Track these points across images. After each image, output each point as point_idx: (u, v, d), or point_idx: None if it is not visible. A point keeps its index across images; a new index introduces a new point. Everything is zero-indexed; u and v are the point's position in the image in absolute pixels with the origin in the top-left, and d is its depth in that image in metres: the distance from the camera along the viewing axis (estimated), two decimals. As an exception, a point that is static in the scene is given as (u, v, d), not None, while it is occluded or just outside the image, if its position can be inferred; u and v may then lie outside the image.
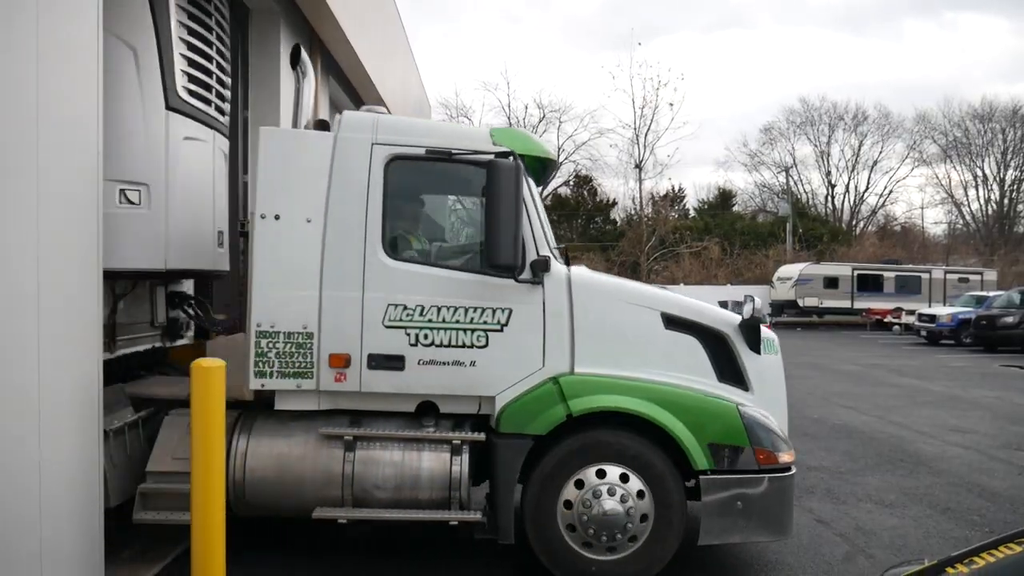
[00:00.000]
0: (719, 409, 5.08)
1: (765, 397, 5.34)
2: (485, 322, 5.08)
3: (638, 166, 51.08)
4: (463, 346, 5.08)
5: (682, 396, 5.08)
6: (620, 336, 5.22)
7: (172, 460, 5.24)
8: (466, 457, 5.11)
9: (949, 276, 39.73)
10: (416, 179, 5.38)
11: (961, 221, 57.37)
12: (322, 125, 5.29)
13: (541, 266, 5.06)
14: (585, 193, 56.11)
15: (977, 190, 56.42)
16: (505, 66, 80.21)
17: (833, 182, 59.32)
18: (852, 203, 59.54)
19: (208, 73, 5.96)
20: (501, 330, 5.09)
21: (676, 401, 5.04)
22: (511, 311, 5.09)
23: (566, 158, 53.20)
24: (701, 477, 5.00)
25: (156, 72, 5.42)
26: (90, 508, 4.49)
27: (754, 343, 5.34)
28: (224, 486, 4.41)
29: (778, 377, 5.47)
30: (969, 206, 56.96)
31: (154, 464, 5.22)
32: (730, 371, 5.33)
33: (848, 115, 57.87)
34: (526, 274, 5.05)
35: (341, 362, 5.06)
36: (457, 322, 5.07)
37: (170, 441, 5.32)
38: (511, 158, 4.85)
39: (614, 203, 55.81)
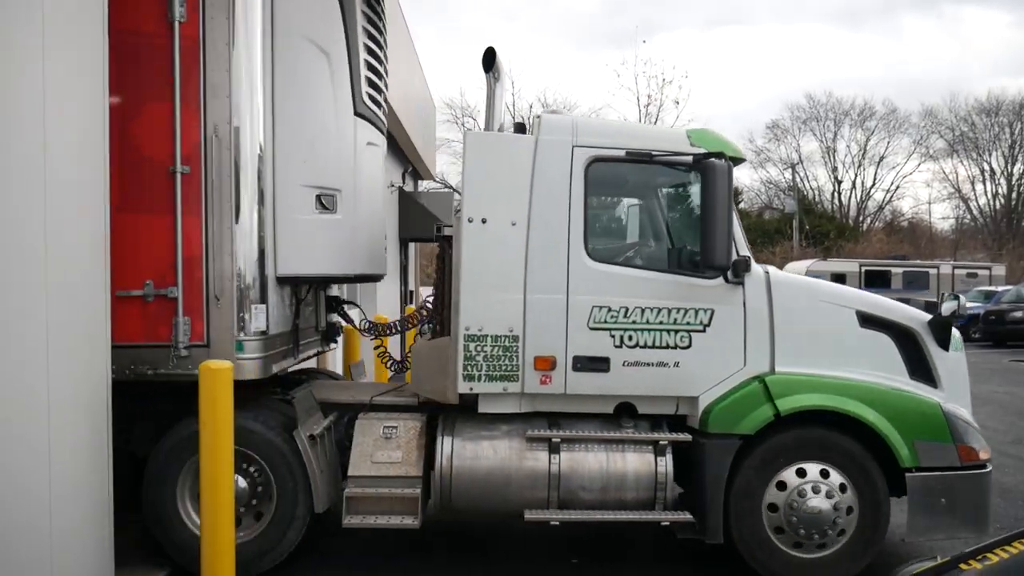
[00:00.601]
0: (923, 407, 5.14)
1: (953, 394, 5.40)
2: (688, 323, 5.11)
3: (647, 164, 51.09)
4: (667, 347, 5.11)
5: (886, 394, 5.13)
6: (818, 334, 5.27)
7: (371, 464, 5.26)
8: (670, 457, 5.15)
9: (957, 271, 39.79)
10: (614, 180, 5.41)
11: (968, 216, 57.67)
12: (518, 128, 5.32)
13: (743, 266, 5.10)
14: (592, 192, 55.95)
15: (984, 185, 56.65)
16: (508, 65, 79.74)
17: (839, 178, 59.44)
18: (859, 199, 59.71)
19: (380, 77, 5.97)
20: (704, 330, 5.13)
21: (881, 399, 5.09)
22: (713, 311, 5.13)
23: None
24: (907, 475, 5.05)
25: (346, 77, 5.44)
26: (100, 509, 4.42)
27: (943, 340, 5.40)
28: (232, 487, 4.40)
29: (964, 374, 5.52)
30: (976, 201, 57.24)
31: (355, 469, 5.23)
32: (920, 368, 5.38)
33: (854, 111, 58.08)
34: (729, 274, 5.09)
35: (547, 364, 5.08)
36: (661, 323, 5.10)
37: (366, 445, 5.33)
38: (723, 159, 4.89)
39: (622, 201, 55.85)
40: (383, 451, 5.34)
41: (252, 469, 5.19)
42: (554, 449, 5.13)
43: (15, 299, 3.82)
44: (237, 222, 4.92)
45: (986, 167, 56.24)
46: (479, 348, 5.04)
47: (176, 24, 4.85)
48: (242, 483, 5.17)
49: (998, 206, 56.00)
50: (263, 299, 5.04)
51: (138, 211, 4.91)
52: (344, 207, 5.45)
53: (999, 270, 39.82)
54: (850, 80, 68.18)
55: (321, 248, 5.39)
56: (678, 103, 57.80)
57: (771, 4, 71.37)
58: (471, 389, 5.07)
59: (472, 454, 5.17)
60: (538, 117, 5.24)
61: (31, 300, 3.90)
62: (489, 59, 5.32)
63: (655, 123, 51.22)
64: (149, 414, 5.53)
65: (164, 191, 4.89)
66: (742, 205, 58.86)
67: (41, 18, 3.92)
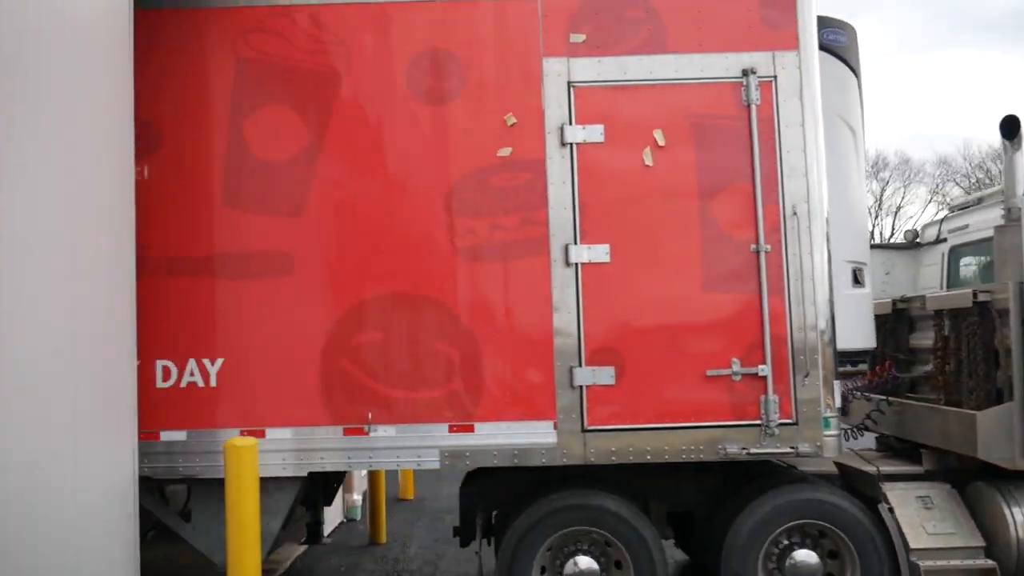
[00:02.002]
0: None
1: None
2: None
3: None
4: None
5: None
6: None
7: (928, 535, 5.19)
8: None
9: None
10: None
11: (992, 261, 58.51)
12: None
13: None
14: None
15: (1004, 230, 57.69)
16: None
17: (861, 229, 60.31)
18: (881, 249, 60.50)
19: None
20: None
21: None
22: None
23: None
24: None
25: (862, 151, 5.59)
26: None
27: None
28: (260, 563, 4.44)
29: None
30: (997, 246, 58.17)
31: (916, 541, 5.15)
32: None
33: (868, 162, 59.31)
34: None
35: None
36: None
37: (910, 516, 5.26)
38: None
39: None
40: (930, 522, 5.27)
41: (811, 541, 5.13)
42: None
43: (43, 384, 3.84)
44: (817, 299, 4.95)
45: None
46: (1059, 414, 5.05)
47: (752, 108, 4.97)
48: (813, 558, 5.10)
49: None
50: (837, 375, 5.05)
51: (722, 290, 4.95)
52: (868, 280, 5.52)
53: None
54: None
55: (853, 322, 5.43)
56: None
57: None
58: None
59: None
60: None
61: (58, 384, 3.94)
62: (1011, 127, 5.46)
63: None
64: (661, 495, 5.48)
65: (746, 269, 4.94)
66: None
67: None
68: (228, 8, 5.08)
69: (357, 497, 8.72)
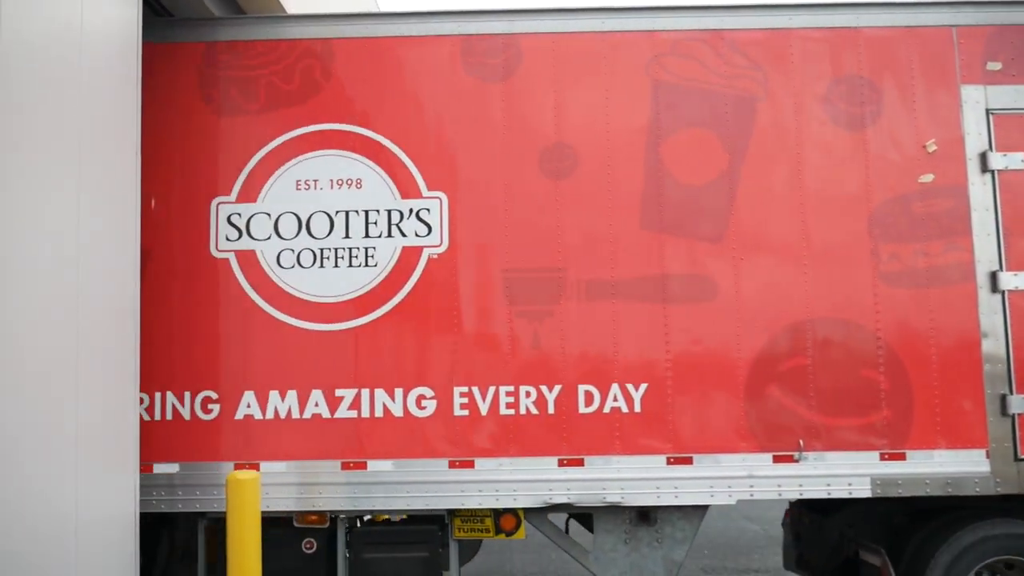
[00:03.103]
0: None
1: None
2: None
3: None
4: None
5: None
6: None
7: None
8: None
9: None
10: None
11: None
12: None
13: None
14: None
15: None
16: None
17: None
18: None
19: None
20: None
21: None
22: None
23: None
24: None
25: None
26: None
27: None
28: None
29: None
30: None
31: None
32: None
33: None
34: None
35: None
36: None
37: None
38: None
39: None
40: None
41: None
42: None
43: (44, 413, 3.71)
44: None
45: None
46: None
47: None
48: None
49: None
50: None
51: None
52: None
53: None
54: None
55: None
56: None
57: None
58: None
59: None
60: None
61: (59, 414, 3.81)
62: None
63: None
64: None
65: None
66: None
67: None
68: (641, 32, 5.09)
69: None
